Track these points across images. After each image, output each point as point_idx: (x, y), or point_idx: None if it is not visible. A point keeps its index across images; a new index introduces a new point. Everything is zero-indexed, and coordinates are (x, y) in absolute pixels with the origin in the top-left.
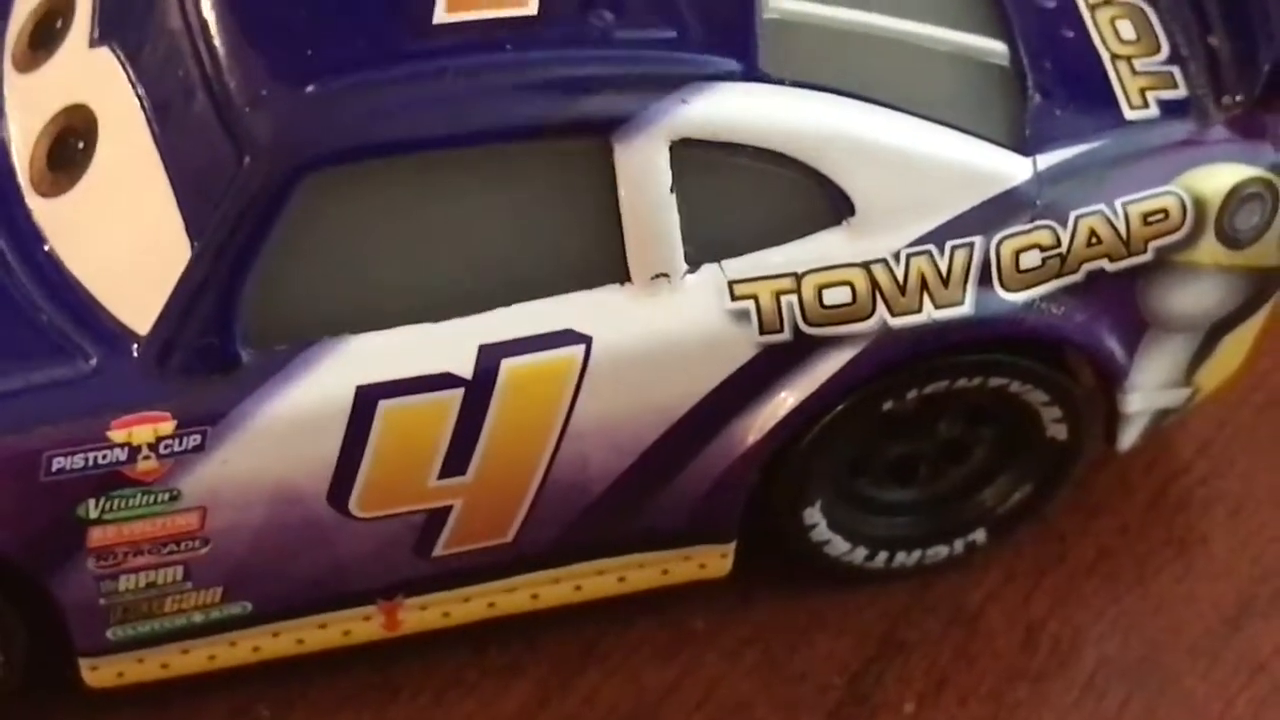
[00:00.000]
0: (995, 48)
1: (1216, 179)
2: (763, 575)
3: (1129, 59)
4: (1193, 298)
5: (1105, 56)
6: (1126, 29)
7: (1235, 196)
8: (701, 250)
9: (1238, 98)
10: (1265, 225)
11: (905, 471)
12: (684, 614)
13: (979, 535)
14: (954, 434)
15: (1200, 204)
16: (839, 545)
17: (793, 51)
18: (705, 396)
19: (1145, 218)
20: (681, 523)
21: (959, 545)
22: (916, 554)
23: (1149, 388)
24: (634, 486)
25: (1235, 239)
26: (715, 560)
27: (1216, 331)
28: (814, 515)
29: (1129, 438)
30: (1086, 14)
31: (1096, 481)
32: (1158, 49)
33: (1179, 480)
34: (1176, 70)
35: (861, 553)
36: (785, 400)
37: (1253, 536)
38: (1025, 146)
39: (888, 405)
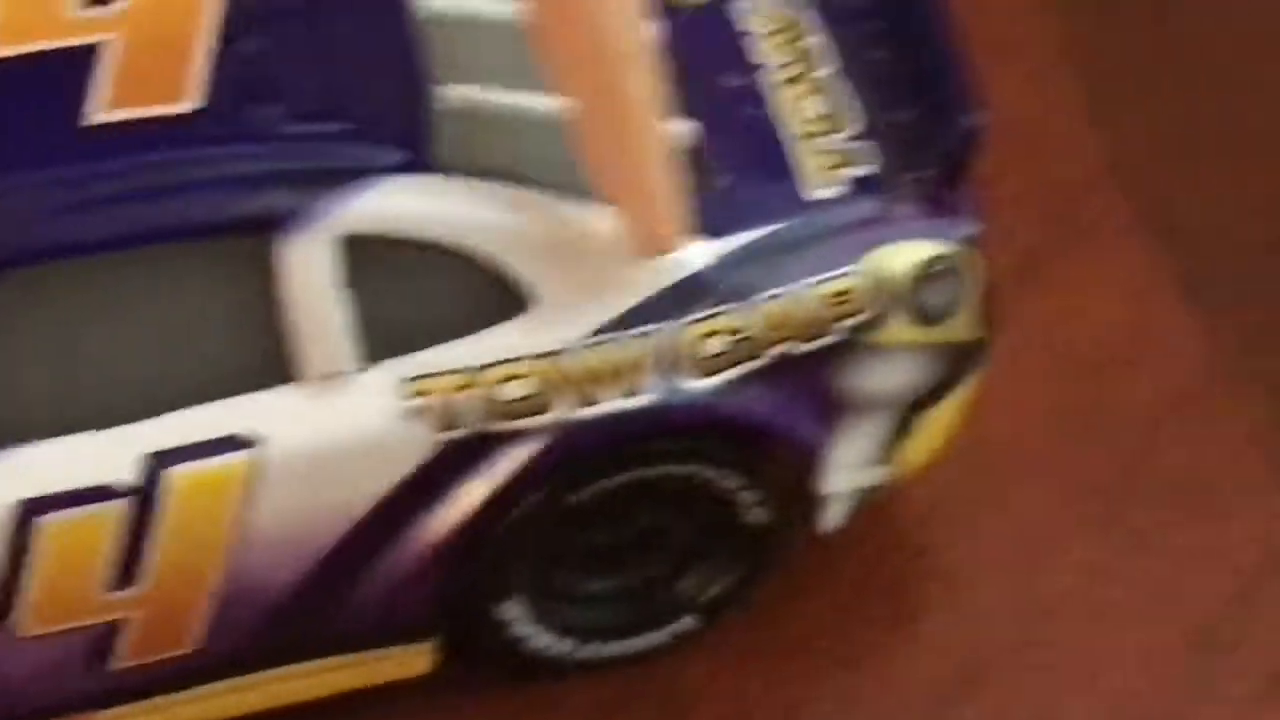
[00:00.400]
0: (680, 129)
1: (905, 256)
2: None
3: (814, 136)
4: (886, 377)
5: (789, 135)
6: (814, 105)
7: (923, 273)
8: (375, 348)
9: (926, 174)
10: (956, 301)
11: (611, 560)
12: (387, 711)
13: (687, 622)
14: (652, 522)
15: (889, 282)
16: (542, 639)
17: (468, 140)
18: (385, 497)
19: (830, 299)
20: (374, 624)
21: (668, 633)
22: (626, 643)
23: (847, 467)
24: (319, 591)
25: (926, 316)
26: (415, 658)
27: (915, 408)
28: (512, 610)
29: (832, 518)
30: (771, 92)
31: (807, 561)
32: (845, 126)
33: (892, 555)
34: (864, 146)
35: (568, 644)
36: (469, 498)
37: (970, 609)
38: (706, 230)
39: (575, 498)
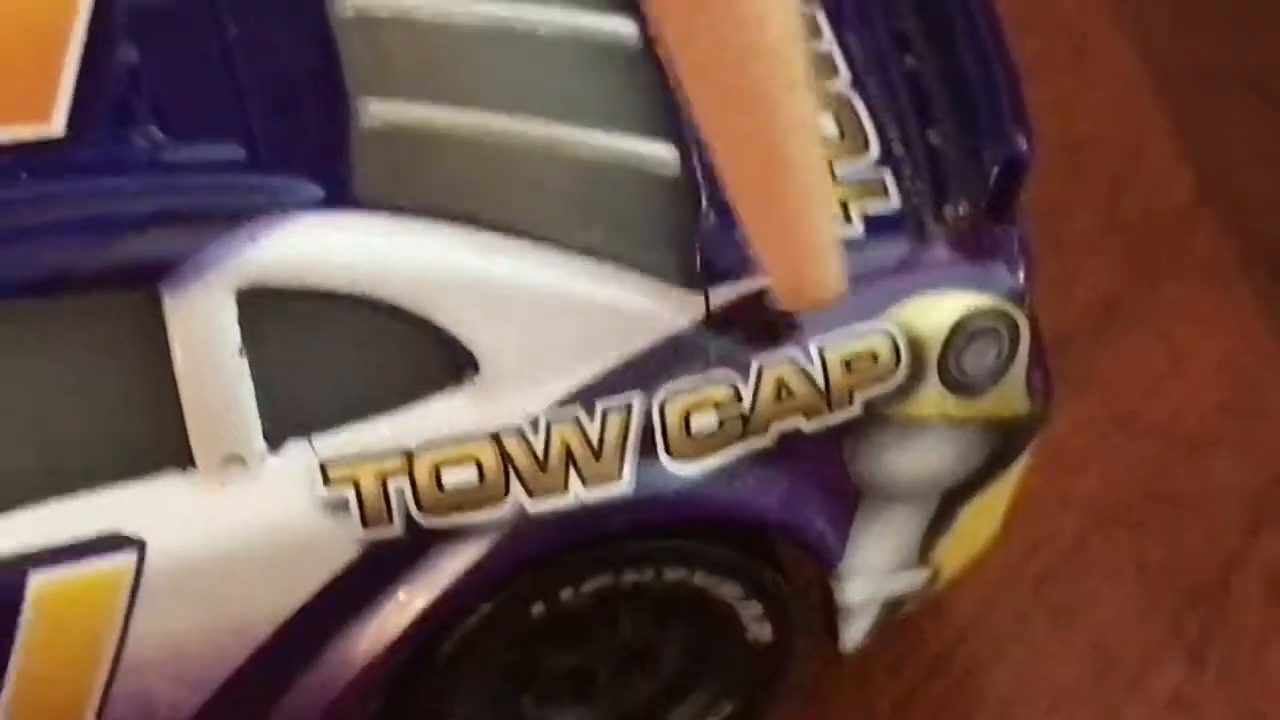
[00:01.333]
0: (660, 153)
1: (937, 312)
2: None
3: (829, 163)
4: (917, 460)
5: None
6: (827, 125)
7: (962, 333)
8: (285, 425)
9: (962, 208)
10: (1002, 367)
11: (584, 687)
12: None
13: None
14: (636, 638)
15: (918, 344)
16: None
17: (399, 169)
18: (298, 610)
19: (848, 364)
20: None
21: None
22: None
23: (872, 572)
24: None
25: (965, 385)
26: None
27: (953, 499)
28: None
29: (855, 634)
30: None
31: (830, 688)
32: (865, 149)
33: (933, 681)
34: (888, 175)
35: None
36: (404, 609)
37: None
38: (696, 279)
39: (538, 608)
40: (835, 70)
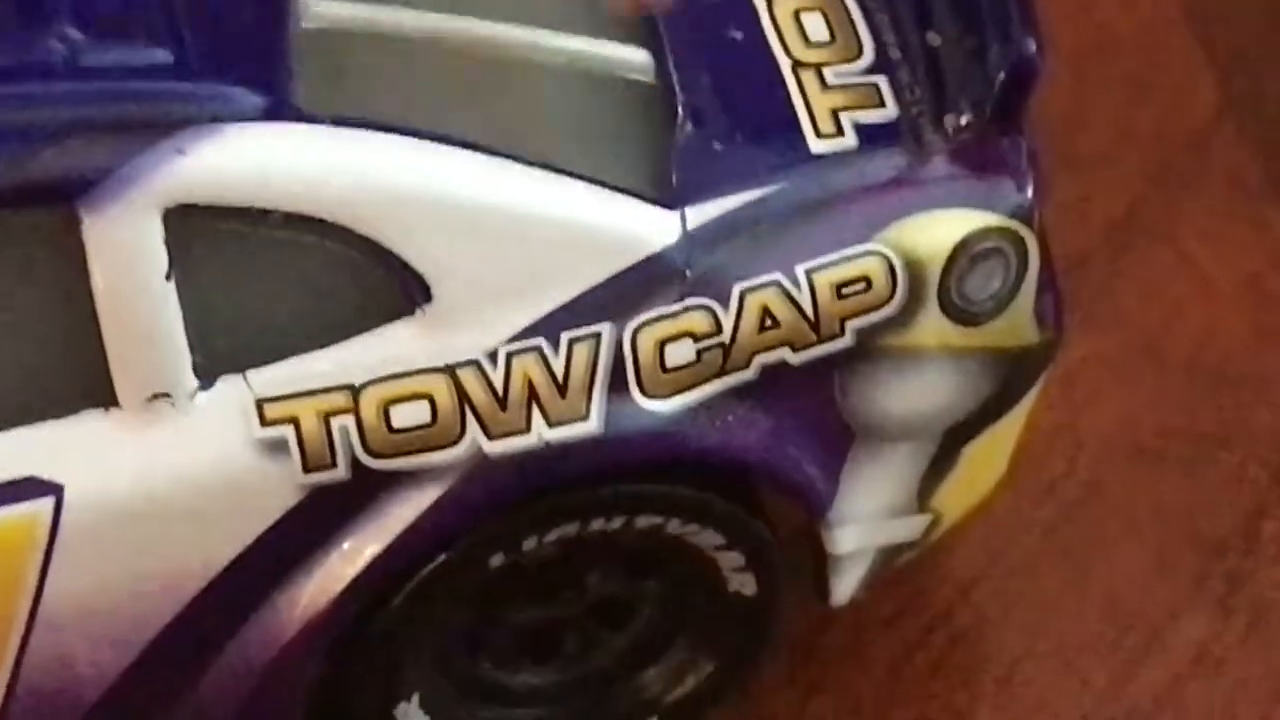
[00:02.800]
0: (632, 57)
1: (937, 231)
2: None
3: (818, 67)
4: (915, 395)
5: (785, 64)
6: (816, 25)
7: (964, 254)
8: (218, 359)
9: (965, 118)
10: (1010, 292)
11: (549, 647)
12: None
13: None
14: (606, 592)
15: (916, 266)
16: None
17: (342, 77)
18: (233, 561)
19: (839, 288)
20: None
21: None
22: None
23: (865, 519)
24: (145, 688)
25: (968, 312)
26: None
27: (955, 438)
28: (414, 715)
29: (845, 587)
30: (762, 6)
31: (818, 645)
32: (858, 53)
33: (932, 637)
34: (883, 81)
35: None
36: (350, 560)
37: (1028, 713)
38: (671, 195)
39: (498, 559)
40: None
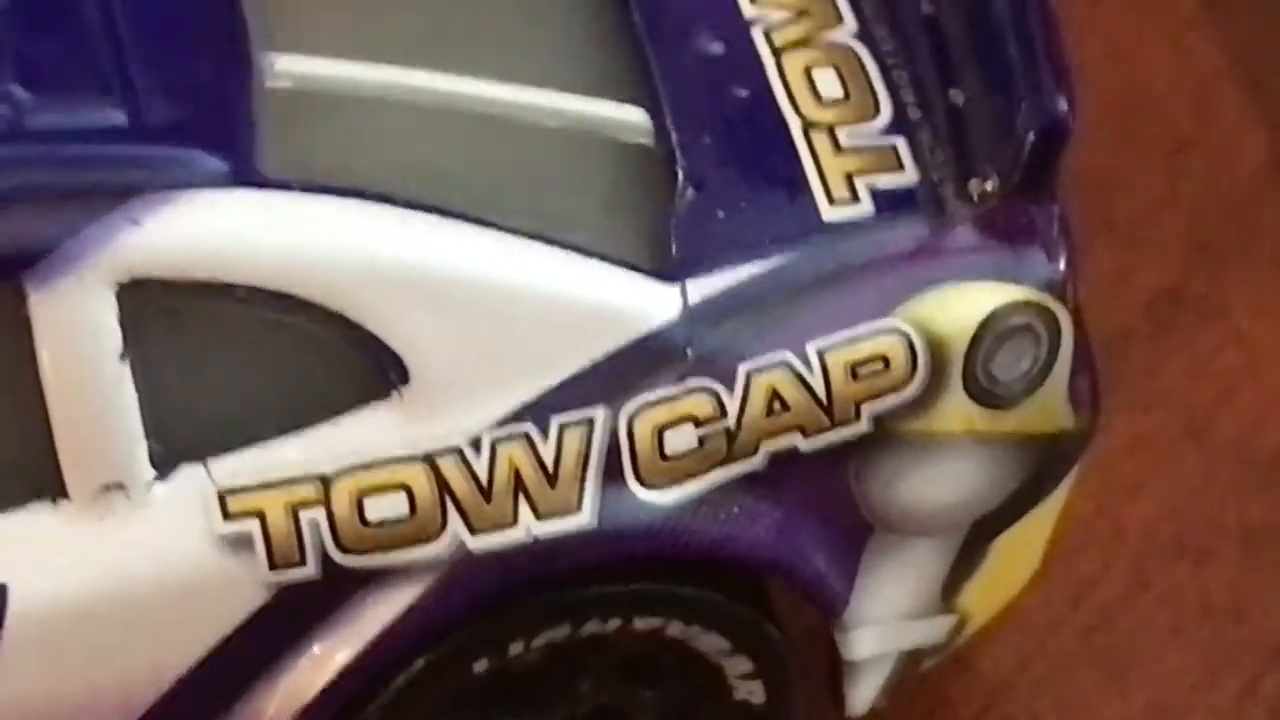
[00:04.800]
0: (628, 116)
1: (961, 306)
2: None
3: (831, 128)
4: (938, 486)
5: (795, 125)
6: (829, 82)
7: (990, 331)
8: (176, 446)
9: (991, 183)
10: (1040, 373)
11: None
12: None
13: None
14: (601, 700)
15: (938, 345)
16: None
17: (312, 139)
18: (193, 667)
19: (854, 369)
20: None
21: None
22: None
23: (885, 620)
24: None
25: (995, 395)
26: None
27: (982, 532)
28: None
29: (864, 695)
30: (769, 61)
31: None
32: (874, 112)
33: None
34: (901, 143)
35: None
36: (321, 666)
37: None
38: (670, 267)
39: (481, 665)
40: (839, 17)
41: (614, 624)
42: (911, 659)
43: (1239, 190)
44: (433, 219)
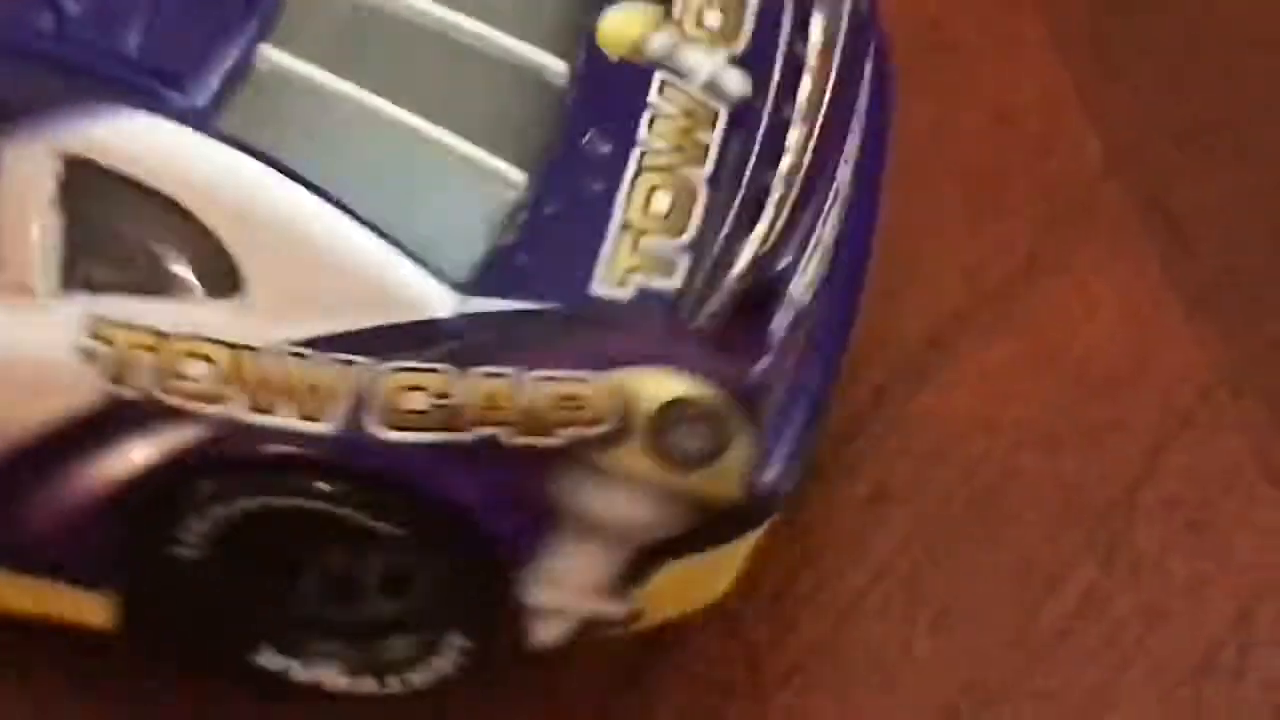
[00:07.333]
0: (510, 174)
1: (657, 386)
2: None
3: (640, 233)
4: (609, 506)
5: (616, 221)
6: (661, 202)
7: (673, 412)
8: (77, 279)
9: (719, 307)
10: (712, 454)
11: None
12: None
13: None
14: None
15: (630, 406)
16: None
17: (263, 113)
18: (43, 428)
19: (560, 400)
20: (43, 554)
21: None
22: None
23: (564, 588)
24: None
25: (672, 458)
26: (90, 607)
27: (646, 557)
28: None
29: (548, 635)
30: (630, 172)
31: (769, 588)
32: (680, 233)
33: (878, 585)
34: (685, 259)
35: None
36: (131, 459)
37: (967, 643)
38: (465, 284)
39: (248, 505)
40: (703, 160)
41: (337, 509)
42: (597, 623)
43: (1082, 187)
44: (311, 194)
